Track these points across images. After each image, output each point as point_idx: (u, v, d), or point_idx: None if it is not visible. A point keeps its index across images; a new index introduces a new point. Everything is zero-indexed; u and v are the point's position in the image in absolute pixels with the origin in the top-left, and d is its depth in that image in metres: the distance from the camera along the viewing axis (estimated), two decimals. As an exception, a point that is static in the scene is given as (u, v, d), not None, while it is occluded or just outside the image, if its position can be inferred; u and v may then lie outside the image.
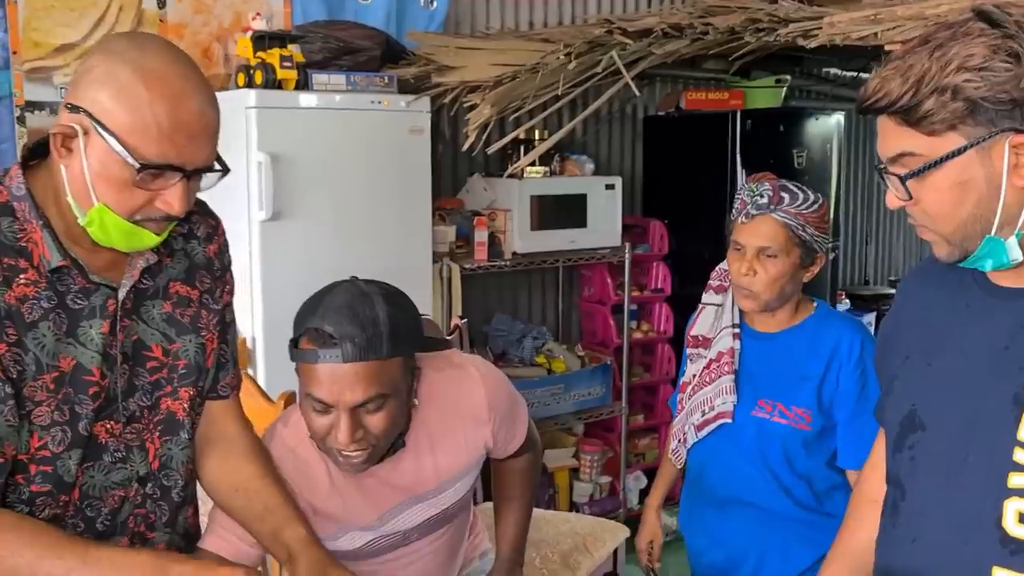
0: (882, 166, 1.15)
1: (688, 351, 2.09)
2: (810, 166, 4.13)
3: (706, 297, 2.08)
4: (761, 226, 1.87)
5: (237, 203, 2.92)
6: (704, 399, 1.99)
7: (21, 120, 2.98)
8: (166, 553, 1.22)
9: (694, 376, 2.03)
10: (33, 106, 3.00)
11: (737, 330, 1.98)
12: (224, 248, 1.50)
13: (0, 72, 2.94)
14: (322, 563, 1.37)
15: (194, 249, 1.43)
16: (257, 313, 2.92)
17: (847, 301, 4.89)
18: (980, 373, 1.15)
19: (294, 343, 1.46)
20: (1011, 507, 1.10)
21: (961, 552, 1.14)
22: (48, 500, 1.27)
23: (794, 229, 1.86)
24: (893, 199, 1.16)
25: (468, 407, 1.63)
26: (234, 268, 3.06)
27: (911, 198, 1.12)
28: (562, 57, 3.00)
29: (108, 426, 1.31)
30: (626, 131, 4.48)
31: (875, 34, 2.38)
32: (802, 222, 1.86)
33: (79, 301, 1.27)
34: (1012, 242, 1.10)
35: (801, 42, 2.64)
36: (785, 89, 4.32)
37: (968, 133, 1.06)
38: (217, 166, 1.28)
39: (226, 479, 1.47)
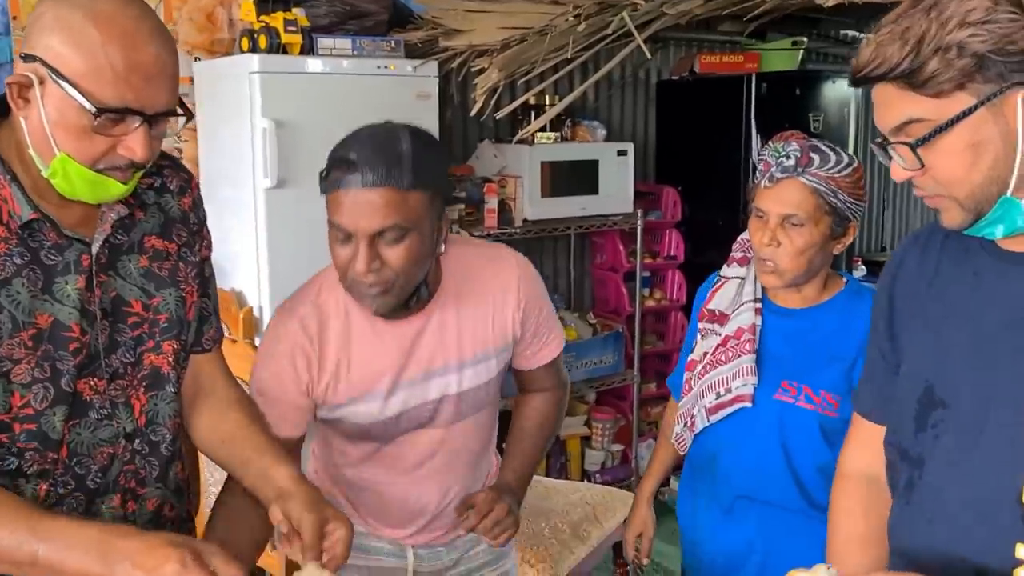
0: (881, 140, 1.09)
1: (700, 326, 1.89)
2: (827, 131, 4.05)
3: (728, 270, 1.88)
4: (787, 191, 1.67)
5: (242, 170, 2.89)
6: (719, 379, 1.80)
7: (24, 87, 2.94)
8: (114, 527, 1.18)
9: (705, 354, 1.85)
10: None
11: (759, 305, 1.80)
12: (199, 202, 1.48)
13: (1, 38, 2.90)
14: (316, 497, 1.35)
15: (168, 203, 1.41)
16: (263, 281, 2.89)
17: (863, 268, 4.82)
18: (995, 344, 1.10)
19: (324, 176, 1.47)
20: None
21: (981, 530, 1.10)
22: (35, 456, 1.26)
23: (824, 195, 1.66)
24: (900, 171, 1.09)
25: (499, 283, 1.63)
26: (239, 237, 3.02)
27: (923, 167, 1.06)
28: (571, 19, 2.93)
29: (92, 383, 1.30)
30: (638, 96, 4.41)
31: (894, -8, 2.30)
32: (834, 187, 1.66)
33: (52, 257, 1.26)
34: None
35: (818, 1, 2.56)
36: (802, 51, 4.24)
37: (977, 91, 1.00)
38: (180, 109, 1.25)
39: (215, 432, 1.47)
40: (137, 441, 1.36)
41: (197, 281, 1.44)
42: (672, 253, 4.20)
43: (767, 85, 3.91)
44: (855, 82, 1.08)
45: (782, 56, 4.20)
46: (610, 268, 4.16)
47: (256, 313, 2.90)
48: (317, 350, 1.56)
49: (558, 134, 3.72)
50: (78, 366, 1.27)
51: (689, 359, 1.91)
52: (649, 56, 3.06)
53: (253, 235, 2.87)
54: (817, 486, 1.73)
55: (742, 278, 1.84)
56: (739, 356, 1.77)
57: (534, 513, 2.72)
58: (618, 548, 2.80)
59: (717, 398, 1.79)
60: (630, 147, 3.85)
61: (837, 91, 4.14)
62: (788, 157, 1.68)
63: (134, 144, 1.20)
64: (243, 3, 3.07)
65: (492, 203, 3.48)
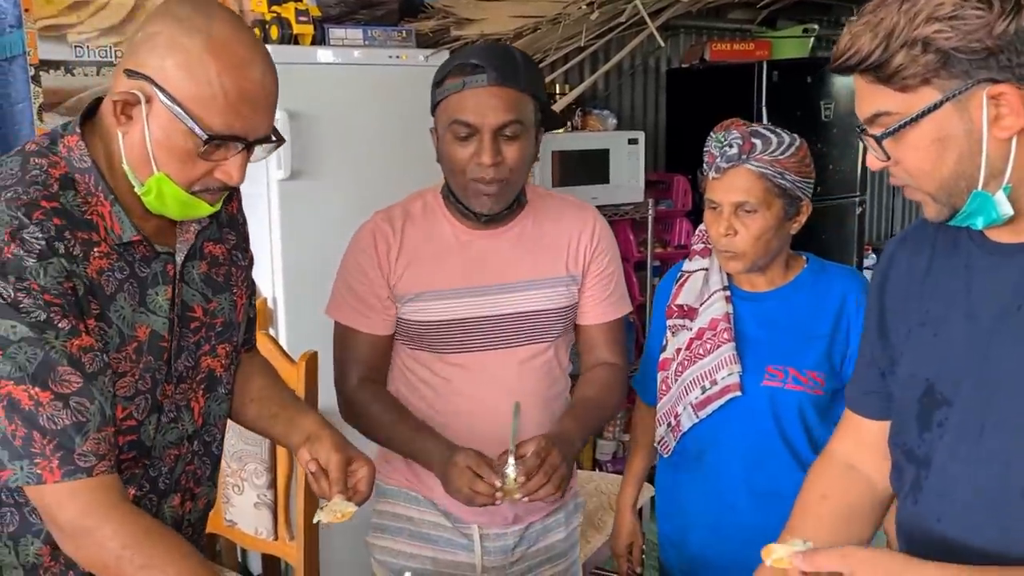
0: (861, 128, 1.10)
1: (669, 323, 1.85)
2: (838, 119, 4.03)
3: (690, 264, 1.87)
4: (735, 179, 1.69)
5: (254, 162, 2.88)
6: (702, 373, 1.76)
7: (35, 79, 2.94)
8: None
9: (679, 350, 1.81)
10: (47, 65, 2.96)
11: (728, 293, 1.79)
12: (241, 205, 1.51)
13: (13, 31, 2.90)
14: (341, 439, 1.44)
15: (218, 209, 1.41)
16: (277, 273, 2.89)
17: (874, 255, 4.81)
18: (992, 336, 1.09)
19: (437, 85, 1.61)
20: None
21: (992, 523, 1.10)
22: (131, 465, 1.29)
23: (772, 178, 1.67)
24: (874, 160, 1.11)
25: (577, 218, 1.75)
26: (253, 228, 3.05)
27: (889, 159, 1.08)
28: (584, 7, 2.93)
29: (164, 388, 1.32)
30: (649, 85, 4.39)
31: (911, -22, 2.29)
32: (780, 169, 1.67)
33: (144, 269, 1.28)
34: (1000, 197, 1.04)
35: (832, -12, 2.55)
36: (813, 39, 4.22)
37: (943, 87, 1.01)
38: (274, 136, 1.27)
39: (244, 394, 1.53)
40: (196, 442, 1.39)
41: (246, 284, 1.46)
42: (683, 242, 4.19)
43: (778, 73, 3.89)
44: (834, 70, 1.10)
45: (793, 43, 4.18)
46: (621, 257, 4.14)
47: (270, 304, 2.90)
48: (399, 239, 1.69)
49: (569, 123, 3.71)
50: (165, 374, 1.30)
51: (661, 358, 1.87)
52: (661, 43, 3.05)
53: (267, 226, 2.87)
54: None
55: (706, 269, 1.84)
56: (718, 346, 1.75)
57: (549, 503, 2.72)
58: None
59: (703, 392, 1.76)
60: (641, 136, 3.84)
61: (848, 79, 4.11)
62: (731, 146, 1.69)
63: (232, 169, 1.21)
64: (254, -6, 3.06)
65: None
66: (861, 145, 4.12)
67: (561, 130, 3.66)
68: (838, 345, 1.74)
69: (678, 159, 4.32)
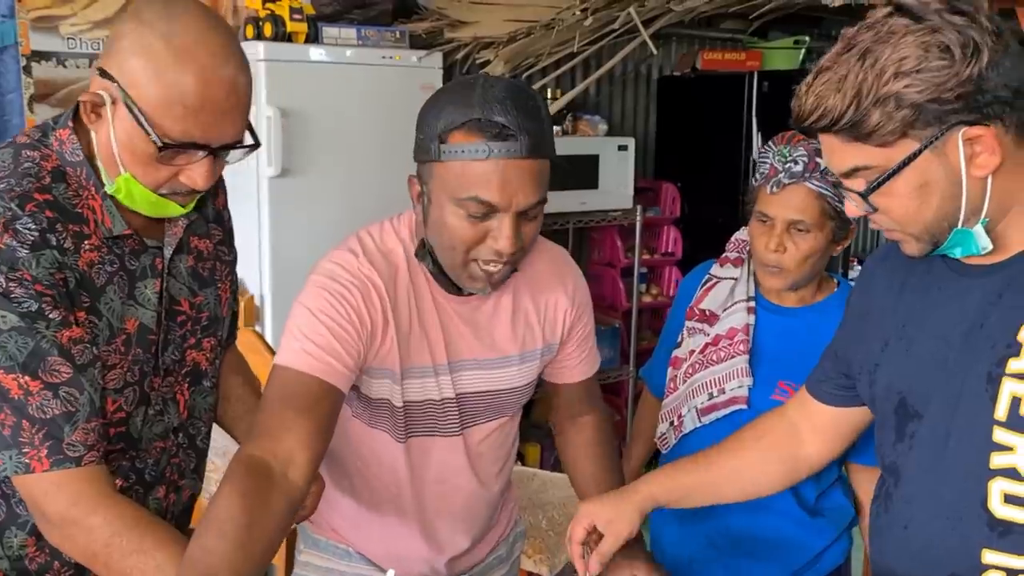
0: (834, 179, 1.12)
1: (688, 324, 1.83)
2: (826, 130, 4.06)
3: (720, 270, 1.83)
4: (794, 197, 1.63)
5: (245, 159, 2.88)
6: (711, 379, 1.74)
7: (27, 70, 2.93)
8: None
9: (692, 352, 1.79)
10: (39, 56, 2.95)
11: (752, 303, 1.76)
12: (227, 201, 1.50)
13: (5, 21, 2.89)
14: None
15: (205, 204, 1.43)
16: (265, 271, 2.89)
17: (859, 267, 4.84)
18: (956, 354, 1.13)
19: (439, 139, 1.26)
20: (995, 488, 1.08)
21: (951, 536, 1.13)
22: (119, 456, 1.29)
23: (830, 200, 1.63)
24: (853, 209, 1.12)
25: (555, 278, 1.52)
26: (240, 224, 3.04)
27: (875, 210, 1.10)
28: (578, 13, 2.94)
29: (151, 381, 1.33)
30: (640, 91, 4.41)
31: (901, -6, 2.31)
32: (839, 192, 1.59)
33: (133, 262, 1.27)
34: (979, 230, 1.08)
35: (824, 1, 2.57)
36: (803, 51, 4.25)
37: (919, 136, 1.02)
38: (248, 139, 1.25)
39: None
40: (181, 435, 1.39)
41: (230, 279, 1.46)
42: (670, 249, 4.21)
43: (768, 83, 3.91)
44: (800, 131, 1.10)
45: (784, 55, 4.21)
46: (607, 263, 4.16)
47: (257, 302, 2.90)
48: (388, 298, 1.36)
49: (559, 128, 3.72)
50: (152, 367, 1.30)
51: (674, 355, 1.85)
52: (654, 51, 3.06)
53: (255, 223, 2.87)
54: (807, 484, 1.69)
55: (735, 279, 1.80)
56: (732, 356, 1.73)
57: (531, 506, 2.73)
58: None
59: (710, 399, 1.75)
60: (631, 142, 3.85)
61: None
62: (796, 163, 1.64)
63: (196, 175, 1.20)
64: (249, -10, 3.06)
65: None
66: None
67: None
68: None
69: (667, 166, 4.34)
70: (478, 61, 3.20)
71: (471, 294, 1.41)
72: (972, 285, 1.12)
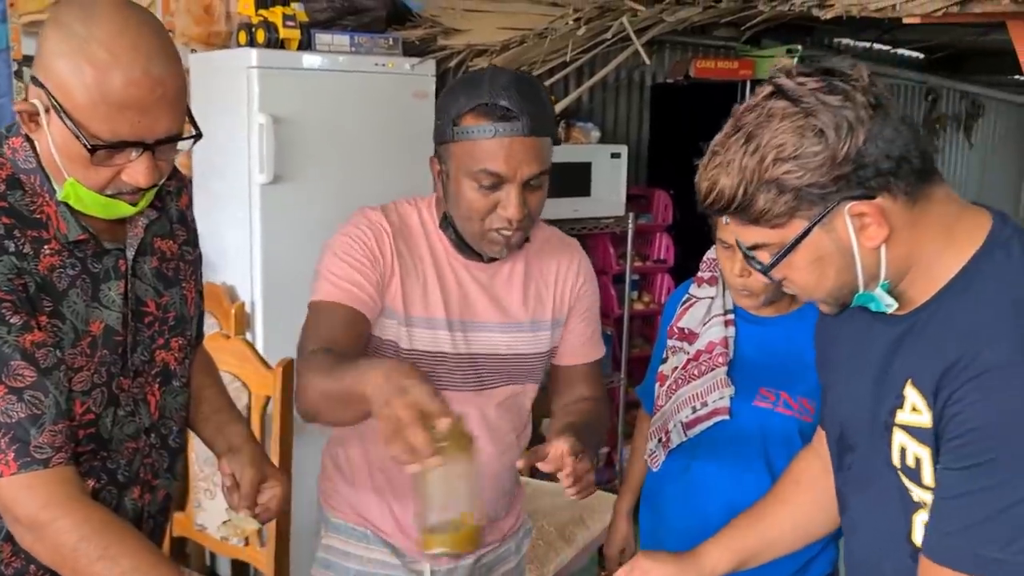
0: (746, 253, 1.17)
1: (670, 343, 1.88)
2: (819, 139, 4.07)
3: (698, 290, 1.88)
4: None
5: (237, 166, 2.88)
6: (693, 394, 1.79)
7: (18, 74, 2.92)
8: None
9: (675, 368, 1.85)
10: (30, 60, 2.93)
11: (731, 316, 1.81)
12: (191, 202, 1.51)
13: (-4, 25, 2.88)
14: (260, 455, 1.49)
15: (168, 205, 1.43)
16: (256, 278, 2.88)
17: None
18: (870, 397, 1.18)
19: (452, 122, 1.48)
20: (918, 520, 1.13)
21: (882, 567, 1.19)
22: (90, 457, 1.30)
23: None
24: (761, 278, 1.19)
25: (566, 257, 1.70)
26: (232, 231, 3.01)
27: (780, 284, 1.15)
28: (571, 22, 2.94)
29: (121, 381, 1.33)
30: (633, 99, 4.42)
31: (893, 6, 2.32)
32: None
33: (96, 265, 1.28)
34: (880, 293, 1.12)
35: (816, 12, 2.57)
36: (796, 59, 4.26)
37: (807, 215, 1.06)
38: (188, 131, 1.24)
39: None
40: (153, 435, 1.40)
41: (195, 278, 1.46)
42: (662, 256, 4.22)
43: (761, 92, 3.92)
44: (705, 212, 1.14)
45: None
46: (599, 270, 4.16)
47: (248, 309, 2.89)
48: (395, 246, 1.55)
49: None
50: (120, 368, 1.31)
51: (659, 372, 1.90)
52: (647, 61, 3.07)
53: (247, 230, 2.86)
54: None
55: (712, 298, 1.85)
56: (712, 369, 1.78)
57: (521, 514, 2.73)
58: (603, 551, 2.81)
59: (693, 412, 1.79)
60: (623, 150, 3.86)
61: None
62: None
63: (136, 172, 1.19)
64: (242, -4, 3.06)
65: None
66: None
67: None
68: None
69: (660, 174, 4.35)
70: (471, 69, 3.19)
71: (488, 261, 1.60)
72: (880, 332, 1.17)
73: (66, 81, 1.13)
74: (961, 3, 2.19)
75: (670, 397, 1.84)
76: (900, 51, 5.69)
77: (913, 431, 1.10)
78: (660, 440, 1.86)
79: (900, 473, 1.14)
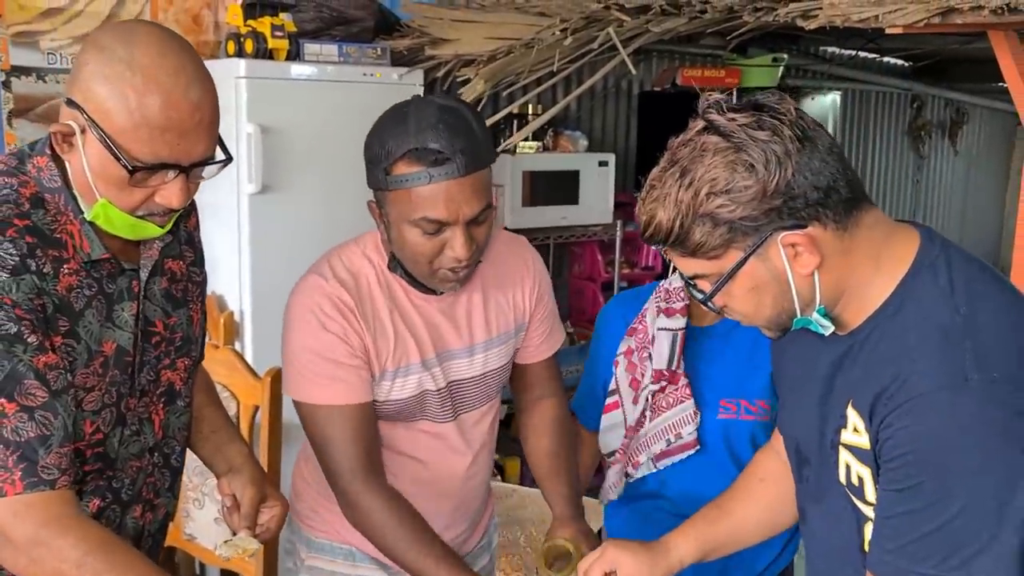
0: (687, 282, 1.20)
1: (653, 387, 1.81)
2: (804, 146, 4.10)
3: (663, 322, 1.82)
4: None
5: (225, 175, 2.87)
6: (666, 427, 1.80)
7: (7, 85, 2.92)
8: None
9: (646, 399, 1.82)
10: (19, 71, 2.95)
11: (682, 333, 1.80)
12: (198, 223, 1.52)
13: (-16, 35, 2.89)
14: (260, 475, 1.47)
15: (177, 226, 1.44)
16: (245, 288, 2.89)
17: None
18: (817, 414, 1.21)
19: (385, 171, 1.40)
20: (869, 531, 1.16)
21: (844, 573, 1.22)
22: (96, 476, 1.30)
23: None
24: (702, 307, 1.24)
25: (518, 263, 1.67)
26: (220, 241, 3.00)
27: (720, 312, 1.18)
28: (558, 32, 2.96)
29: (128, 401, 1.34)
30: (620, 107, 4.44)
31: (876, 17, 2.35)
32: None
33: (111, 285, 1.29)
34: (817, 317, 1.15)
35: (800, 23, 2.60)
36: (782, 67, 4.29)
37: (742, 245, 1.08)
38: (219, 155, 1.26)
39: None
40: (156, 454, 1.40)
41: (201, 300, 1.47)
42: (650, 263, 4.24)
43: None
44: (646, 242, 1.17)
45: (762, 72, 4.25)
46: (588, 277, 4.19)
47: (237, 318, 2.90)
48: (360, 310, 1.51)
49: (540, 144, 3.74)
50: (128, 388, 1.32)
51: (612, 400, 1.88)
52: (633, 70, 3.09)
53: (235, 240, 2.87)
54: None
55: (682, 329, 1.81)
56: (681, 401, 1.80)
57: (509, 522, 2.74)
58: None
59: (668, 444, 1.81)
60: (611, 158, 3.88)
61: (816, 107, 4.21)
62: None
63: (170, 194, 1.21)
64: (230, 7, 3.07)
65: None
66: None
67: (533, 149, 3.69)
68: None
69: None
70: (459, 79, 3.21)
71: (444, 292, 1.56)
72: (823, 352, 1.20)
73: (107, 104, 1.15)
74: (943, 14, 2.22)
75: (639, 432, 1.83)
76: (886, 59, 5.74)
77: (855, 451, 1.14)
78: (623, 473, 1.86)
79: (847, 490, 1.17)
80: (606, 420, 1.91)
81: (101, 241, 1.26)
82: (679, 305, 1.83)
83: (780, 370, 1.38)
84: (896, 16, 2.31)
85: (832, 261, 1.10)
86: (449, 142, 1.37)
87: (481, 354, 1.62)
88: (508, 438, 3.94)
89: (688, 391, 1.79)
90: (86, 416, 1.25)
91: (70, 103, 1.18)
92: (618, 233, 3.90)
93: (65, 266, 1.22)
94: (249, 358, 2.61)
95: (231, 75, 2.84)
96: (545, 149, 3.78)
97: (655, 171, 1.14)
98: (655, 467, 1.83)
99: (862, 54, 5.08)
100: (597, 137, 4.32)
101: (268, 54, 2.92)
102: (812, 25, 2.53)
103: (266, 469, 2.11)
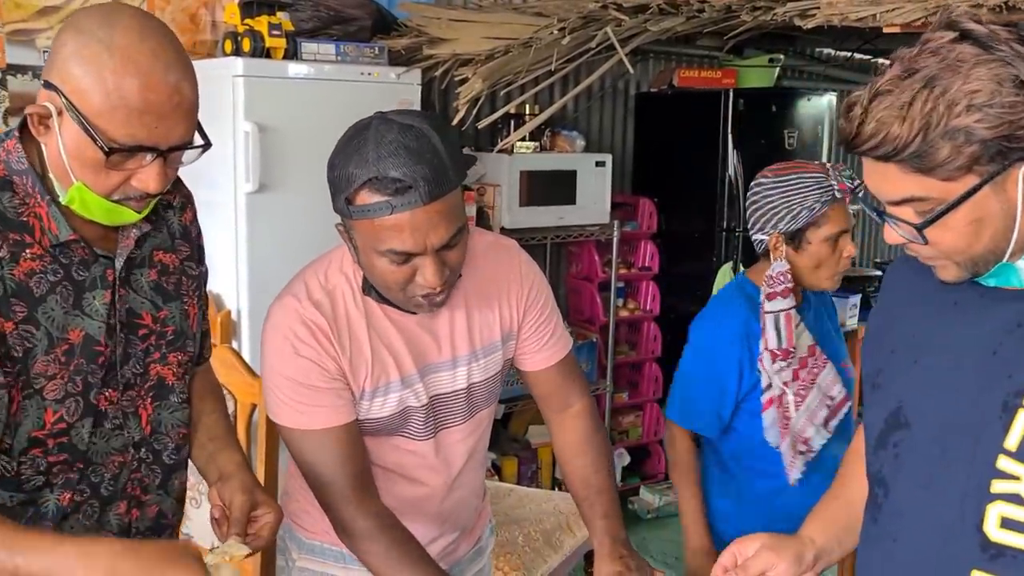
0: (878, 208, 1.09)
1: (774, 365, 1.93)
2: (801, 147, 4.12)
3: (773, 304, 1.93)
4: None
5: (223, 174, 2.88)
6: (821, 397, 1.97)
7: (2, 83, 2.92)
8: (87, 539, 1.21)
9: (785, 384, 1.94)
10: (15, 69, 2.94)
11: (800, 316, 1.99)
12: (196, 217, 1.50)
13: (-19, 34, 2.88)
14: (252, 483, 1.41)
15: (171, 218, 1.43)
16: (242, 287, 2.88)
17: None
18: (967, 375, 1.11)
19: (347, 200, 1.34)
20: (993, 512, 1.08)
21: (940, 554, 1.12)
22: (64, 468, 1.28)
23: None
24: (895, 237, 1.09)
25: (504, 270, 1.59)
26: (217, 240, 2.99)
27: (926, 243, 1.06)
28: (556, 32, 2.96)
29: (107, 394, 1.32)
30: (618, 107, 4.45)
31: (874, 16, 2.35)
32: None
33: (82, 272, 1.27)
34: (1022, 264, 1.07)
35: (798, 22, 2.60)
36: (778, 69, 4.30)
37: (982, 171, 0.99)
38: (198, 140, 1.25)
39: None
40: (143, 450, 1.38)
41: (197, 294, 1.45)
42: (647, 264, 4.24)
43: (744, 101, 3.96)
44: (856, 152, 1.05)
45: (759, 73, 4.25)
46: (585, 278, 4.18)
47: (234, 317, 2.89)
48: (336, 332, 1.46)
49: (537, 144, 3.74)
50: (102, 378, 1.30)
51: (767, 397, 1.96)
52: (631, 70, 3.09)
53: (232, 239, 2.86)
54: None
55: (791, 307, 1.94)
56: (823, 367, 1.99)
57: (507, 521, 2.73)
58: (589, 557, 2.82)
59: (828, 410, 1.99)
60: (608, 158, 3.88)
61: (812, 108, 4.21)
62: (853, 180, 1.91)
63: (147, 178, 1.21)
64: (227, 6, 3.06)
65: (471, 211, 3.49)
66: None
67: (530, 149, 3.69)
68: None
69: (645, 182, 4.37)
70: (456, 78, 3.21)
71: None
72: (991, 307, 1.11)
73: (84, 85, 1.14)
74: (940, 12, 2.22)
75: (799, 410, 1.96)
76: (881, 60, 5.75)
77: None
78: (800, 452, 1.97)
79: (1009, 458, 1.06)
80: (767, 418, 1.98)
81: (69, 223, 1.24)
82: (781, 287, 1.95)
83: (883, 336, 1.26)
84: (894, 15, 2.31)
85: None
86: (411, 169, 1.29)
87: (464, 367, 1.56)
88: (507, 438, 3.95)
89: (823, 360, 1.98)
90: (47, 405, 1.23)
91: (47, 85, 1.17)
92: (615, 233, 3.90)
93: (28, 251, 1.21)
94: (246, 356, 2.60)
95: (228, 74, 2.83)
96: (542, 149, 3.78)
97: (883, 79, 1.01)
98: (829, 432, 1.98)
99: (858, 56, 5.08)
100: (594, 137, 4.32)
101: (265, 53, 2.92)
102: (810, 24, 2.54)
103: (263, 468, 2.10)
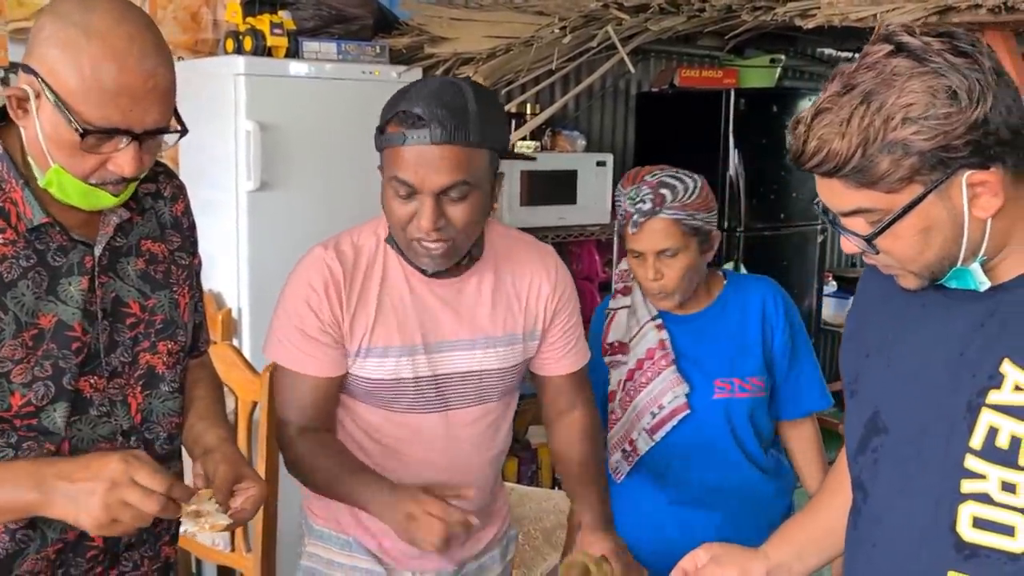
0: (831, 217, 1.10)
1: (607, 359, 1.97)
2: (802, 147, 4.11)
3: (615, 302, 1.99)
4: (653, 231, 1.81)
5: (224, 172, 2.89)
6: (648, 400, 1.90)
7: (4, 81, 2.92)
8: (43, 459, 1.25)
9: (620, 382, 1.94)
10: (17, 67, 2.94)
11: (659, 320, 1.93)
12: (189, 209, 1.51)
13: (-17, 31, 2.88)
14: (236, 456, 1.41)
15: (161, 209, 1.44)
16: (243, 285, 2.89)
17: (834, 283, 4.89)
18: (937, 377, 1.13)
19: (380, 130, 1.47)
20: (965, 512, 1.09)
21: (917, 557, 1.14)
22: (33, 444, 1.28)
23: (685, 222, 1.81)
24: (850, 247, 1.11)
25: (537, 268, 1.65)
26: (218, 238, 3.00)
27: (877, 253, 1.09)
28: (557, 31, 2.97)
29: (92, 381, 1.32)
30: (619, 107, 4.45)
31: (874, 16, 2.36)
32: (690, 212, 1.82)
33: (58, 258, 1.28)
34: (976, 268, 1.08)
35: (799, 22, 2.61)
36: (779, 69, 4.30)
37: (925, 180, 1.01)
38: (175, 125, 1.26)
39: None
40: (133, 439, 1.38)
41: (188, 283, 1.46)
42: (647, 264, 4.24)
43: (745, 101, 3.96)
44: (806, 169, 1.06)
45: (760, 73, 4.26)
46: (585, 277, 4.18)
47: (235, 315, 2.89)
48: (349, 282, 1.54)
49: (538, 143, 3.75)
50: (80, 364, 1.30)
51: (609, 391, 1.97)
52: (632, 69, 3.10)
53: (234, 237, 2.87)
54: (760, 453, 1.95)
55: (628, 306, 1.96)
56: (659, 372, 1.89)
57: (508, 520, 2.74)
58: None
59: (653, 417, 1.90)
60: (609, 158, 3.89)
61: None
62: (643, 202, 1.82)
63: (122, 161, 1.22)
64: (229, 4, 3.07)
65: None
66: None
67: (531, 148, 3.70)
68: (766, 346, 1.93)
69: (645, 182, 4.37)
70: (458, 77, 3.21)
71: (443, 275, 1.56)
72: (957, 311, 1.12)
73: (60, 67, 1.16)
74: (940, 12, 2.23)
75: (625, 410, 1.94)
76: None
77: (1014, 411, 1.05)
78: (624, 451, 1.95)
79: (976, 457, 1.08)
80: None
81: (47, 209, 1.25)
82: (621, 286, 1.99)
83: (860, 339, 1.28)
84: (894, 15, 2.31)
85: (1006, 208, 1.03)
86: (432, 110, 1.40)
87: (481, 350, 1.59)
88: (505, 437, 3.96)
89: (666, 361, 1.88)
90: (15, 388, 1.24)
91: (26, 68, 1.19)
92: (616, 233, 3.90)
93: (1, 236, 1.23)
94: (247, 354, 2.61)
95: (230, 72, 2.84)
96: (543, 149, 3.78)
97: (824, 96, 1.03)
98: (652, 440, 1.90)
99: (858, 56, 5.10)
100: (595, 137, 4.32)
101: (267, 51, 2.93)
102: (810, 24, 2.54)
103: (265, 465, 2.11)
